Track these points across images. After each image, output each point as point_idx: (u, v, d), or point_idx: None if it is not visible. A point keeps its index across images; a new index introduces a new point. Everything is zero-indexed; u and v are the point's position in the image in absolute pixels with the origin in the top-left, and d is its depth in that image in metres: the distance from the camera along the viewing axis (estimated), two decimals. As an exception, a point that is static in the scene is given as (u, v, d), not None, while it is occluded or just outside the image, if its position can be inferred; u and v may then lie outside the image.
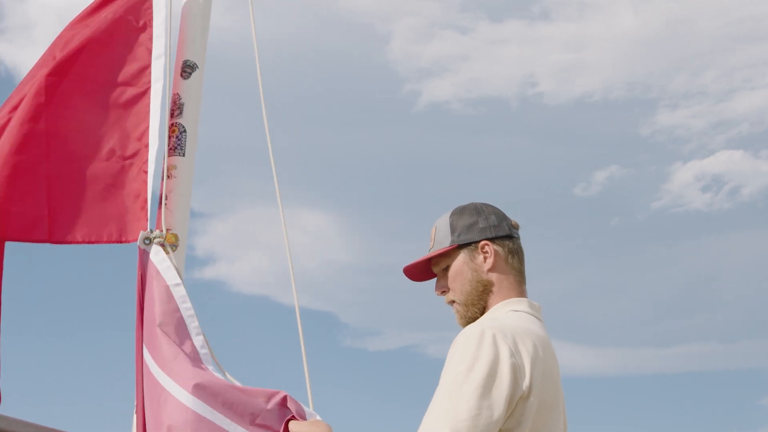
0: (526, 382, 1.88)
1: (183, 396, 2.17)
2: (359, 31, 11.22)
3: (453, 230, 2.16)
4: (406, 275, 2.24)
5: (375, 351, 10.51)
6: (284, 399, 2.15)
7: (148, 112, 2.65)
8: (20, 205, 2.54)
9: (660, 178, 11.31)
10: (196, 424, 2.13)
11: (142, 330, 2.38)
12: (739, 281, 11.64)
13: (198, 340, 2.31)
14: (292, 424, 2.12)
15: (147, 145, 2.62)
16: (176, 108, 2.69)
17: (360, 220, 11.53)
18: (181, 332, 2.30)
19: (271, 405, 2.14)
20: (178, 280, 2.38)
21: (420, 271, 2.23)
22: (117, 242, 2.54)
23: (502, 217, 2.18)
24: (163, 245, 2.48)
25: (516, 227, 2.20)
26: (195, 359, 2.26)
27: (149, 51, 2.73)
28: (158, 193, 2.61)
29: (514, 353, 1.89)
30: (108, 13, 2.77)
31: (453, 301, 2.15)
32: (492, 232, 2.14)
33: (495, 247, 2.13)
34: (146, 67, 2.71)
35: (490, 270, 2.12)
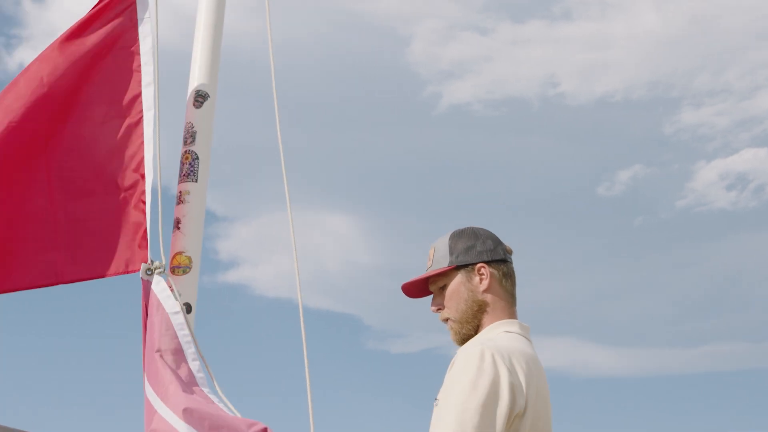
0: (522, 401, 2.02)
1: (173, 420, 2.34)
2: (381, 33, 11.29)
3: (452, 252, 2.27)
4: (404, 292, 2.36)
5: (397, 353, 10.60)
6: (264, 430, 2.29)
7: (142, 142, 2.75)
8: (29, 254, 2.66)
9: (684, 177, 11.26)
10: None
11: (145, 356, 2.56)
12: (765, 280, 11.58)
13: (194, 365, 2.48)
14: None
15: (143, 176, 2.72)
16: (189, 136, 2.81)
17: (383, 222, 11.62)
18: (178, 358, 2.47)
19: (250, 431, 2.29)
20: (178, 309, 2.53)
21: (417, 288, 2.35)
22: (123, 273, 2.68)
23: (497, 242, 2.29)
24: (170, 270, 2.64)
25: (510, 252, 2.31)
26: (190, 383, 2.43)
27: (139, 81, 2.81)
28: (157, 221, 2.70)
29: (512, 373, 2.02)
30: (94, 38, 2.81)
31: (447, 319, 2.26)
32: (488, 255, 2.25)
33: (491, 269, 2.24)
34: (137, 96, 2.80)
35: (485, 291, 2.23)
